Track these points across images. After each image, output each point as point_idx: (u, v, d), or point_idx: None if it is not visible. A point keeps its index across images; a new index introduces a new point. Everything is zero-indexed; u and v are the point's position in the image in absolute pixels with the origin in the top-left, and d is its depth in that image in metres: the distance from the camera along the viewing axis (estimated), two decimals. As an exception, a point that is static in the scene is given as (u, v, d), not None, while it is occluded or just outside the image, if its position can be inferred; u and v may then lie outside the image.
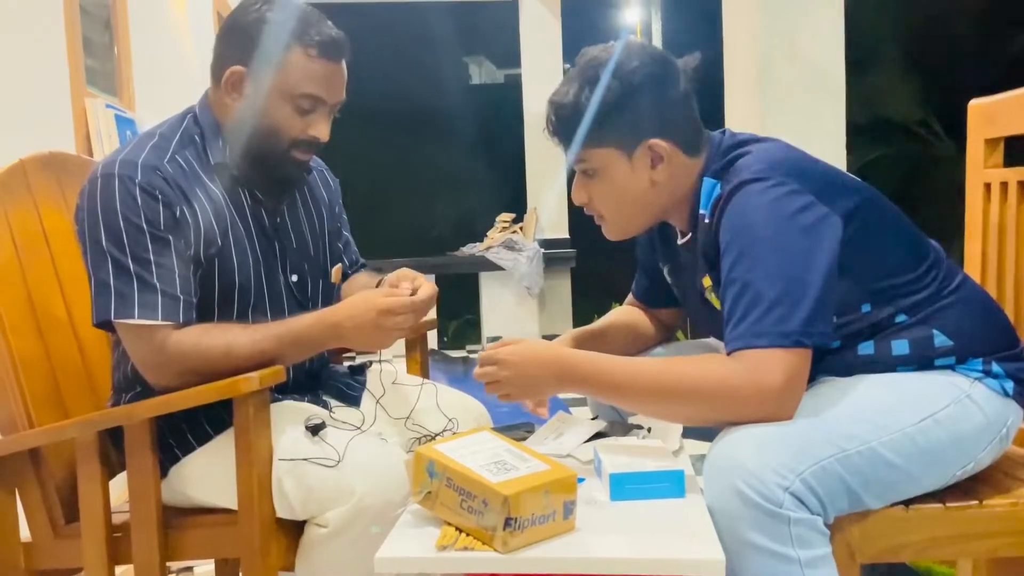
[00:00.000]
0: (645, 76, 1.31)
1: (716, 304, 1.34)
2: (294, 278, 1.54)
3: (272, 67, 1.39)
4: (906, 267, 1.30)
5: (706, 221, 1.31)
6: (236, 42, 1.41)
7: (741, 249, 1.21)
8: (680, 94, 1.34)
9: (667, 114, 1.33)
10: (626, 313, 1.66)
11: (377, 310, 1.36)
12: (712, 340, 1.59)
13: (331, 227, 1.67)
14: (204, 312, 1.42)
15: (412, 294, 1.42)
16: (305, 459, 1.33)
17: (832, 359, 1.29)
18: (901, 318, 1.29)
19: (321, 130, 1.44)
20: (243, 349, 1.36)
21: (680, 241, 1.42)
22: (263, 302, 1.48)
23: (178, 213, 1.37)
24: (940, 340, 1.28)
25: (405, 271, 1.50)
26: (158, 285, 1.34)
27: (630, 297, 1.69)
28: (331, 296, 1.64)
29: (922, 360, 1.29)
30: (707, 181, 1.32)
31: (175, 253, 1.36)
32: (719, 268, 1.25)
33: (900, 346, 1.29)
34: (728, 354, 1.19)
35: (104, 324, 1.37)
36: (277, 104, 1.40)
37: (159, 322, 1.34)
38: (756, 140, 1.35)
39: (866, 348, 1.29)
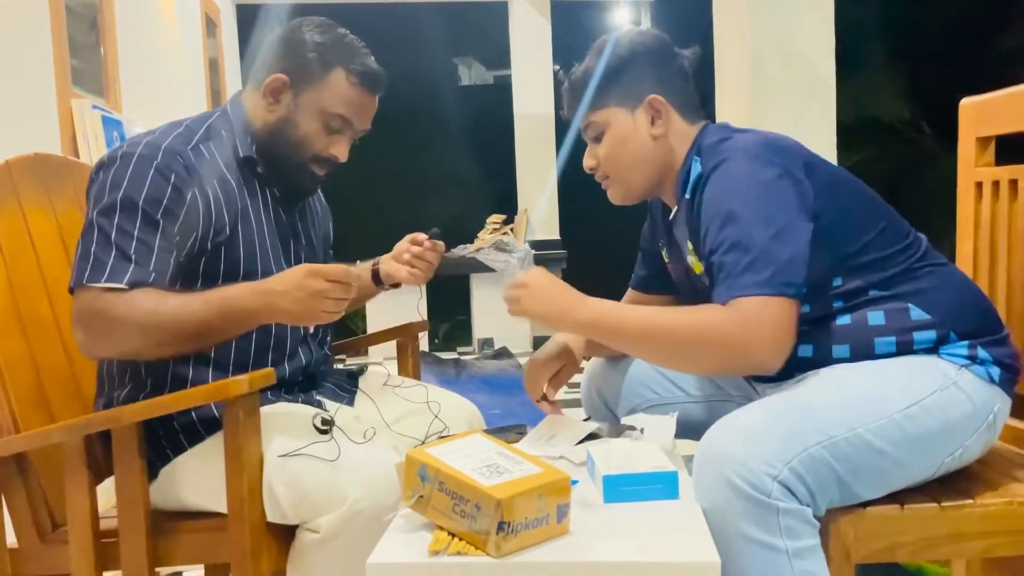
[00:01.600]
0: (645, 44, 1.46)
1: (696, 269, 1.42)
2: None
3: (313, 83, 1.48)
4: (878, 246, 1.34)
5: (687, 197, 1.41)
6: (285, 53, 1.50)
7: (726, 213, 1.28)
8: (678, 66, 1.47)
9: (665, 77, 1.45)
10: (630, 303, 1.68)
11: (305, 271, 1.32)
12: None
13: (327, 239, 1.75)
14: None
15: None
16: (303, 452, 1.33)
17: (809, 329, 1.32)
18: (873, 292, 1.32)
19: (341, 151, 1.53)
20: (169, 308, 1.32)
21: (672, 213, 1.50)
22: None
23: (188, 197, 1.39)
24: (916, 314, 1.31)
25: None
26: (133, 257, 1.34)
27: (628, 292, 1.72)
28: None
29: (900, 333, 1.30)
30: (695, 161, 1.41)
31: (161, 234, 1.36)
32: (700, 237, 1.34)
33: (875, 316, 1.32)
34: (716, 303, 1.25)
35: (75, 290, 1.35)
36: (309, 118, 1.49)
37: (100, 285, 1.32)
38: (740, 130, 1.43)
39: (843, 319, 1.33)
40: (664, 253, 1.61)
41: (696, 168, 1.39)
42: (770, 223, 1.24)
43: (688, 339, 1.25)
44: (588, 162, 1.51)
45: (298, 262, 1.56)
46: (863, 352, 1.31)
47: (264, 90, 1.49)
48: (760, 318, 1.20)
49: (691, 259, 1.44)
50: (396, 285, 1.79)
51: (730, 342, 1.21)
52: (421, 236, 1.73)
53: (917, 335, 1.30)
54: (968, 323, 1.32)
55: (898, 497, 1.23)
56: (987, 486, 1.28)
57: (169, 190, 1.37)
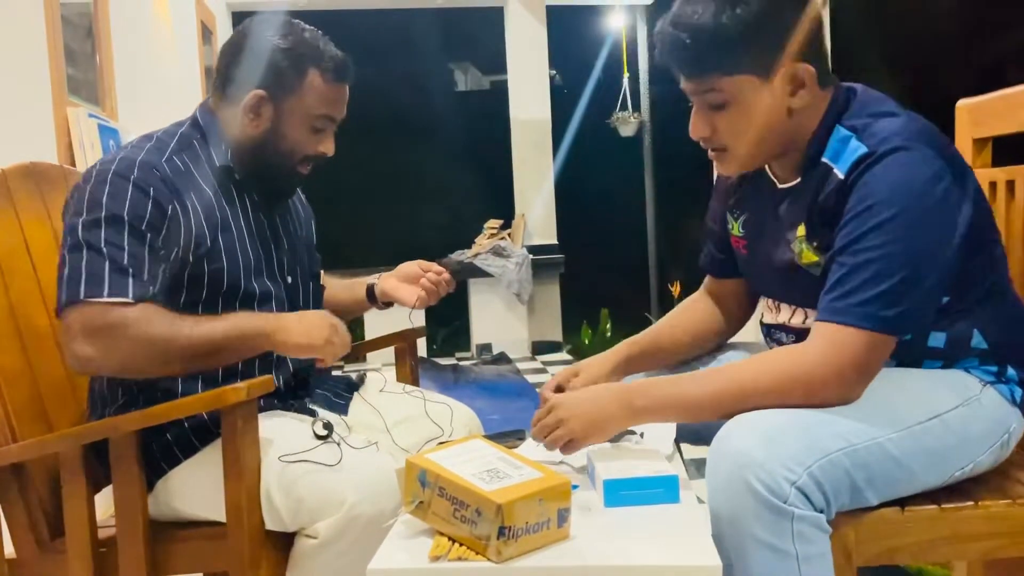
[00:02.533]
0: None
1: (804, 257, 1.27)
2: (288, 280, 1.58)
3: (292, 92, 1.47)
4: (985, 263, 1.26)
5: (839, 177, 1.20)
6: (256, 66, 1.48)
7: (883, 219, 1.14)
8: (815, 16, 1.23)
9: (809, 35, 1.22)
10: (678, 314, 1.57)
11: (323, 313, 1.44)
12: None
13: (310, 240, 1.73)
14: (192, 310, 1.42)
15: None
16: (306, 457, 1.33)
17: None
18: (954, 308, 1.25)
19: (329, 146, 1.54)
20: (185, 327, 1.34)
21: (784, 185, 1.32)
22: (253, 303, 1.48)
23: (169, 211, 1.38)
24: (976, 341, 1.27)
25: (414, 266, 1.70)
26: (129, 269, 1.33)
27: (706, 279, 1.57)
28: (320, 300, 1.70)
29: (949, 359, 1.27)
30: (840, 130, 1.23)
31: (149, 247, 1.36)
32: (833, 224, 1.19)
33: (936, 338, 1.26)
34: (817, 320, 1.17)
35: (69, 306, 1.32)
36: (295, 124, 1.49)
37: (105, 299, 1.31)
38: (895, 105, 1.26)
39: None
40: (738, 227, 1.42)
41: (857, 146, 1.19)
42: (919, 254, 1.14)
43: (773, 393, 1.16)
44: (700, 131, 1.27)
45: (281, 267, 1.56)
46: (906, 366, 1.27)
47: (244, 108, 1.47)
48: (848, 351, 1.13)
49: (800, 246, 1.27)
50: (388, 304, 1.76)
51: (812, 379, 1.15)
52: (438, 267, 1.71)
53: (964, 361, 1.28)
54: (1014, 350, 1.28)
55: (899, 499, 1.22)
56: (988, 488, 1.28)
57: (150, 204, 1.36)
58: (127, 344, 1.31)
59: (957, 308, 1.25)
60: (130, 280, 1.32)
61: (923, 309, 1.17)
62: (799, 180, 1.29)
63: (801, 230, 1.27)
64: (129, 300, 1.31)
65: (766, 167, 1.35)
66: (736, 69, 1.21)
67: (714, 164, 1.34)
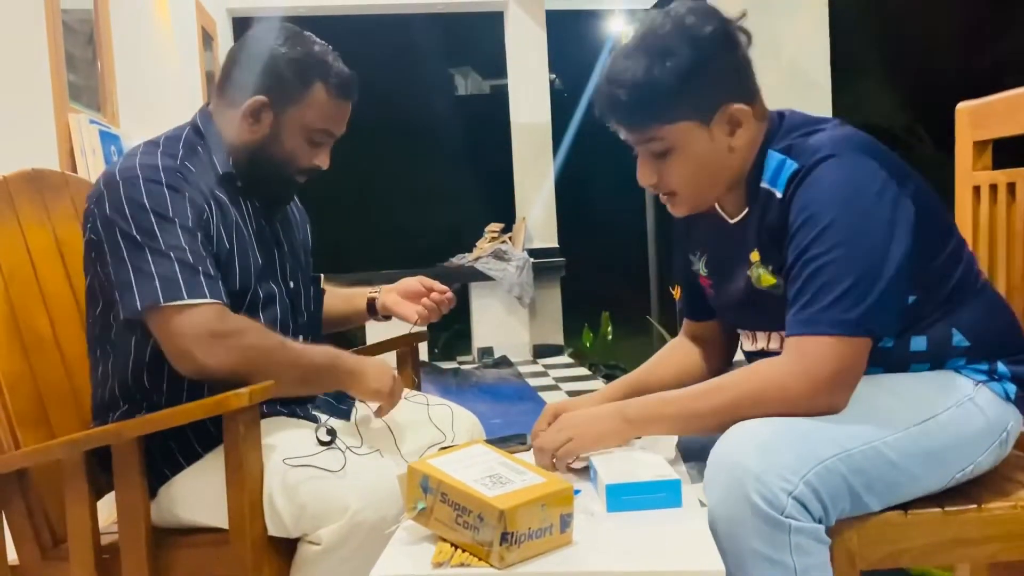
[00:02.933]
0: (717, 38, 1.24)
1: (762, 281, 1.29)
2: (291, 284, 1.58)
3: (295, 103, 1.47)
4: (947, 260, 1.27)
5: (778, 196, 1.24)
6: (260, 73, 1.47)
7: (823, 225, 1.17)
8: (743, 55, 1.27)
9: (741, 76, 1.27)
10: (668, 352, 1.59)
11: (391, 368, 1.53)
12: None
13: (307, 244, 1.74)
14: None
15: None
16: (309, 462, 1.33)
17: None
18: (927, 310, 1.26)
19: (324, 160, 1.54)
20: (294, 346, 1.43)
21: (733, 220, 1.35)
22: (258, 306, 1.49)
23: (203, 213, 1.40)
24: (958, 339, 1.27)
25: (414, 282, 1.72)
26: (199, 268, 1.35)
27: (684, 323, 1.60)
28: (320, 304, 1.71)
29: (936, 360, 1.28)
30: (773, 155, 1.27)
31: (202, 244, 1.38)
32: (781, 243, 1.23)
33: (918, 342, 1.27)
34: (786, 336, 1.19)
35: (145, 312, 1.33)
36: (294, 135, 1.49)
37: (208, 300, 1.33)
38: (823, 120, 1.31)
39: (886, 342, 1.25)
40: (702, 267, 1.46)
41: (789, 164, 1.23)
42: (868, 251, 1.16)
43: (756, 404, 1.17)
44: (647, 179, 1.31)
45: (283, 271, 1.57)
46: (895, 372, 1.28)
47: (244, 112, 1.47)
48: (823, 361, 1.14)
49: (757, 271, 1.30)
50: (388, 317, 1.76)
51: (790, 392, 1.16)
52: (442, 287, 1.72)
53: (951, 361, 1.28)
54: (998, 345, 1.29)
55: (902, 503, 1.22)
56: (992, 491, 1.28)
57: (187, 205, 1.38)
58: (244, 350, 1.34)
59: (930, 309, 1.27)
60: (202, 280, 1.34)
61: (886, 305, 1.16)
62: (746, 211, 1.32)
63: (755, 256, 1.30)
64: (224, 302, 1.36)
65: (716, 206, 1.37)
66: (675, 118, 1.24)
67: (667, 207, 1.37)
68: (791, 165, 1.23)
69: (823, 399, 1.16)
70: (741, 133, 1.27)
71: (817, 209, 1.18)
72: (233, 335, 1.34)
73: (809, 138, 1.24)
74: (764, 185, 1.27)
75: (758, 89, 1.30)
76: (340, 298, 1.79)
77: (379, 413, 1.52)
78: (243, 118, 1.48)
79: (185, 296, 1.32)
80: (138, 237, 1.34)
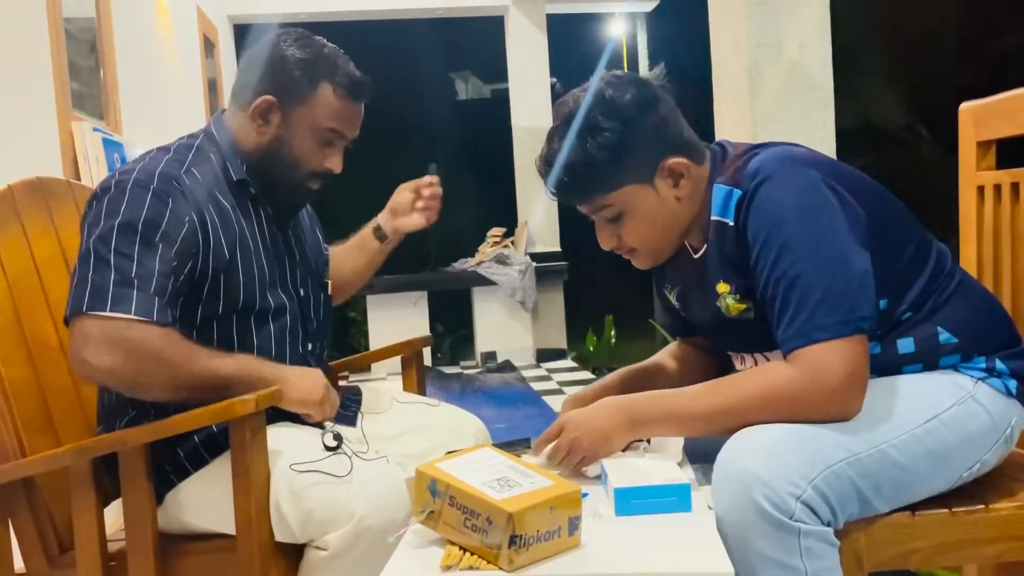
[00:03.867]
0: (638, 103, 1.30)
1: (732, 310, 1.32)
2: (300, 292, 1.58)
3: (302, 101, 1.47)
4: (912, 261, 1.29)
5: (730, 225, 1.28)
6: (269, 73, 1.48)
7: (782, 243, 1.20)
8: (671, 107, 1.33)
9: (670, 130, 1.32)
10: (672, 351, 1.61)
11: (323, 378, 1.47)
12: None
13: (318, 246, 1.74)
14: (207, 325, 1.43)
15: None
16: (316, 468, 1.33)
17: None
18: (907, 315, 1.29)
19: (336, 163, 1.53)
20: (204, 356, 1.36)
21: (698, 255, 1.39)
22: (267, 316, 1.49)
23: (187, 222, 1.39)
24: (945, 337, 1.28)
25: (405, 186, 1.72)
26: (135, 281, 1.32)
27: (674, 343, 1.63)
28: (330, 311, 1.70)
29: (927, 360, 1.29)
30: (719, 188, 1.30)
31: (160, 259, 1.35)
32: (745, 270, 1.25)
33: (905, 344, 1.29)
34: (785, 354, 1.19)
35: (70, 319, 1.33)
36: (302, 135, 1.49)
37: (131, 316, 1.31)
38: (759, 145, 1.35)
39: (873, 348, 1.26)
40: (674, 297, 1.51)
41: (735, 193, 1.27)
42: (831, 254, 1.18)
43: (764, 408, 1.18)
44: (608, 243, 1.38)
45: (294, 280, 1.57)
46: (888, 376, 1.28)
47: (252, 113, 1.48)
48: (833, 366, 1.15)
49: (726, 301, 1.33)
50: (400, 239, 1.79)
51: (804, 400, 1.16)
52: (426, 179, 1.73)
53: (943, 359, 1.29)
54: (990, 341, 1.30)
55: (910, 504, 1.22)
56: (999, 491, 1.28)
57: (168, 213, 1.37)
58: (143, 361, 1.32)
59: (907, 310, 1.28)
60: (134, 294, 1.31)
61: (865, 298, 1.18)
62: (706, 247, 1.36)
63: (722, 286, 1.33)
64: (153, 320, 1.32)
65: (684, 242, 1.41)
66: (617, 185, 1.30)
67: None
68: (736, 193, 1.27)
69: (838, 404, 1.17)
70: (684, 183, 1.32)
71: (771, 230, 1.21)
72: (132, 342, 1.30)
73: (747, 165, 1.27)
74: (715, 218, 1.31)
75: (691, 136, 1.35)
76: (352, 250, 1.79)
77: (308, 420, 1.47)
78: (252, 119, 1.49)
79: (108, 308, 1.30)
80: (94, 245, 1.34)
